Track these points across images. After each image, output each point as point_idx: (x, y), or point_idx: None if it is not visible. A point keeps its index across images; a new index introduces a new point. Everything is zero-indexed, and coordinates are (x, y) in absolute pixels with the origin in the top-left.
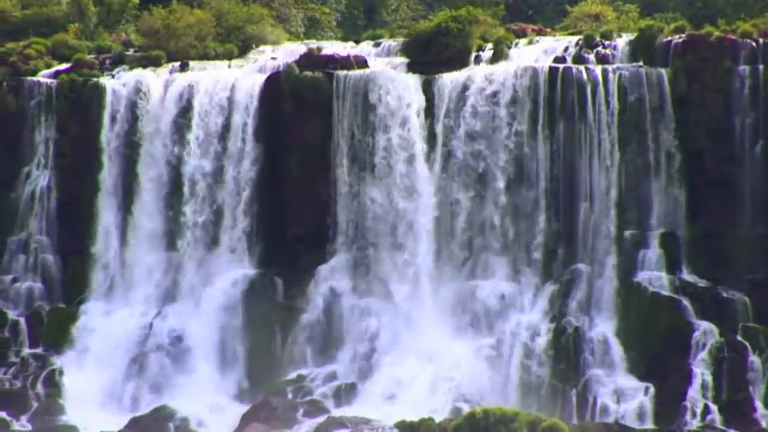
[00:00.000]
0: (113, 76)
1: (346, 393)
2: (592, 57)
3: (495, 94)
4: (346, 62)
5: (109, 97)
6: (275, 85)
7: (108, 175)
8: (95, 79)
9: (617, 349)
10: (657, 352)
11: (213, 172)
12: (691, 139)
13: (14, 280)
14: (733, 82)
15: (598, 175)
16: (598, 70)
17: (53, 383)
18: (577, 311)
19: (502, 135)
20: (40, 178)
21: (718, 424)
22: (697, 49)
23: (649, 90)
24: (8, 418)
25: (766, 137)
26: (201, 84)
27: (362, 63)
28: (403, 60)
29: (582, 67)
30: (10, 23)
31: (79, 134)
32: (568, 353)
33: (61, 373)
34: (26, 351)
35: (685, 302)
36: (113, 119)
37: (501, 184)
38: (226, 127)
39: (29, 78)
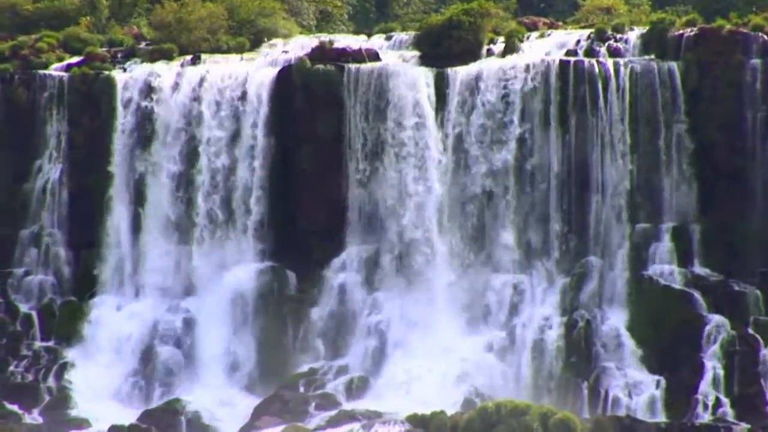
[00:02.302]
0: (125, 70)
1: (358, 386)
2: (603, 50)
3: (507, 87)
4: (358, 55)
5: (120, 91)
6: (287, 79)
7: (120, 168)
8: (107, 73)
9: (629, 342)
10: (668, 346)
11: (225, 165)
12: (703, 132)
13: (26, 274)
14: (745, 76)
15: (610, 168)
16: (609, 63)
17: (65, 376)
18: (588, 304)
19: (514, 128)
20: (51, 171)
21: (730, 417)
22: (709, 43)
23: (661, 83)
24: (20, 411)
25: None
26: (213, 77)
27: (374, 56)
28: (414, 53)
29: (593, 61)
30: (22, 16)
31: (91, 127)
32: (579, 346)
33: (72, 366)
34: (38, 344)
35: (697, 295)
36: (125, 112)
37: (512, 176)
38: (238, 121)
39: (41, 71)
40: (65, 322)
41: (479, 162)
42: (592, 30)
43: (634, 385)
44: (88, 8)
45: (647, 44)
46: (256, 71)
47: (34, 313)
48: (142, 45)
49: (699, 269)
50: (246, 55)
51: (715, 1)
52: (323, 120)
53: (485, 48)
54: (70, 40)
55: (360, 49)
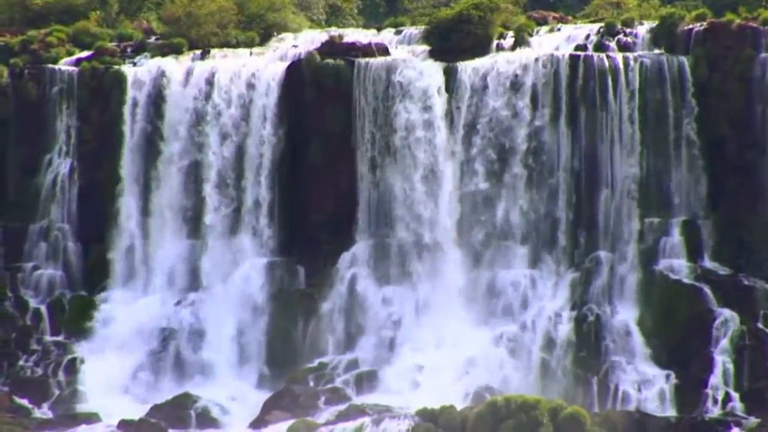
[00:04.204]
0: (135, 64)
1: (367, 381)
2: (613, 45)
3: (516, 81)
4: (368, 50)
5: (130, 85)
6: (296, 73)
7: (129, 162)
8: (116, 67)
9: (638, 337)
10: (678, 340)
11: (234, 159)
12: (713, 126)
13: (35, 268)
14: (755, 70)
15: (620, 162)
16: (619, 57)
17: (74, 371)
18: (598, 299)
19: (523, 122)
20: (61, 165)
21: (739, 411)
22: (719, 37)
23: (671, 78)
24: (30, 406)
25: None
26: (222, 72)
27: (384, 51)
28: (424, 48)
29: (603, 55)
30: (32, 11)
31: (101, 122)
32: (589, 341)
33: (82, 360)
34: (47, 339)
35: (707, 290)
36: (134, 107)
37: (522, 171)
38: (248, 115)
39: (51, 66)
40: (75, 316)
41: (489, 156)
42: (602, 24)
43: (644, 380)
44: (97, 3)
45: (657, 39)
46: (265, 65)
47: (43, 308)
48: (152, 39)
49: (709, 264)
50: (255, 50)
51: None
52: (333, 114)
53: (495, 42)
54: (80, 35)
55: (369, 44)
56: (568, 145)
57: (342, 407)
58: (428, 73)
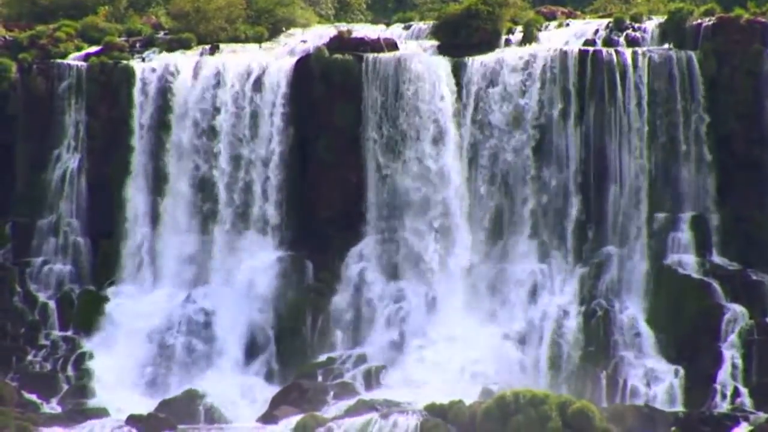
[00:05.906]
0: (143, 59)
1: (376, 376)
2: (621, 40)
3: (525, 77)
4: (377, 45)
5: (139, 80)
6: (305, 68)
7: (138, 157)
8: (125, 62)
9: (647, 332)
10: (687, 335)
11: (243, 155)
12: (721, 121)
13: (44, 263)
14: (763, 65)
15: (628, 158)
16: (627, 53)
17: (83, 366)
18: (607, 294)
19: (532, 118)
20: (70, 160)
21: (748, 406)
22: (727, 32)
23: (679, 73)
24: (38, 401)
25: None
26: (231, 67)
27: (392, 46)
28: (433, 43)
29: (612, 50)
30: (40, 6)
31: (109, 117)
32: (598, 336)
33: (90, 355)
34: (56, 334)
35: (715, 285)
36: (143, 102)
37: (531, 167)
38: (256, 110)
39: (59, 61)
40: (83, 311)
41: (497, 151)
42: (611, 19)
43: (653, 375)
44: None
45: (665, 34)
46: (274, 61)
47: (52, 303)
48: (161, 34)
49: (717, 259)
50: (264, 45)
51: None
52: (341, 109)
53: (503, 38)
54: (89, 30)
55: (378, 39)
56: (576, 140)
57: (350, 402)
58: (437, 69)
